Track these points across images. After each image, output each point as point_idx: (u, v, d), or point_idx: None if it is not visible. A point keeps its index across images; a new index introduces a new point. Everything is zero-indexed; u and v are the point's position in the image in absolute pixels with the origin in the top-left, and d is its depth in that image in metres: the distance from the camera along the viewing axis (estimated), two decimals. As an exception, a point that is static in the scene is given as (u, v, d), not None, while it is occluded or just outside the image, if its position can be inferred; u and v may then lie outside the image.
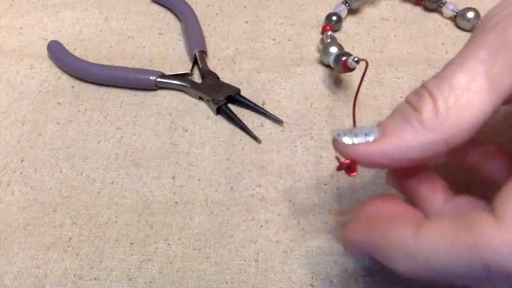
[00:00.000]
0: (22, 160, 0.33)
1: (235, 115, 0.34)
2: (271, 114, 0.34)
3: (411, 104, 0.20)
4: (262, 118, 0.34)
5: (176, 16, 0.43)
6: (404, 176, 0.23)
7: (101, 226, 0.29)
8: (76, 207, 0.30)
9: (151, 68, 0.38)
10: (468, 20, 0.39)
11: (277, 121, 0.34)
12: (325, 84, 0.36)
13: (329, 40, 0.37)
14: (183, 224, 0.29)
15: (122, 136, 0.34)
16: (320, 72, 0.37)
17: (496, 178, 0.23)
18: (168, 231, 0.29)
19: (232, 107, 0.35)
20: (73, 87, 0.37)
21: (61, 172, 0.32)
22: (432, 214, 0.22)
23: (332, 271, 0.27)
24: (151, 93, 0.37)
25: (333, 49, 0.36)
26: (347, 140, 0.21)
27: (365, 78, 0.26)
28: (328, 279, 0.26)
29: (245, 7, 0.43)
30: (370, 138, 0.20)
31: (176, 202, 0.30)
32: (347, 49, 0.37)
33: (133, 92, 0.37)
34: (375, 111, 0.34)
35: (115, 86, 0.37)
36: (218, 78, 0.37)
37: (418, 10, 0.42)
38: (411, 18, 0.41)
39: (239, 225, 0.29)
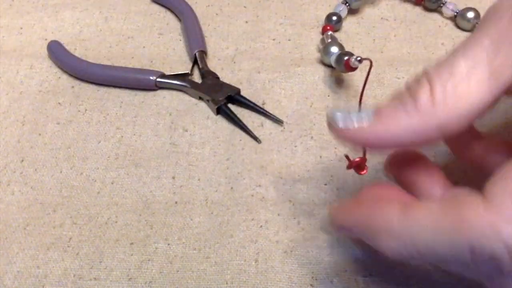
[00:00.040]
0: (22, 160, 0.33)
1: (235, 115, 0.34)
2: (271, 114, 0.34)
3: (409, 90, 0.20)
4: (262, 118, 0.34)
5: (176, 16, 0.43)
6: (402, 168, 0.23)
7: (101, 226, 0.29)
8: (76, 207, 0.30)
9: (151, 68, 0.38)
10: (468, 20, 0.39)
11: (277, 121, 0.34)
12: (325, 84, 0.36)
13: (329, 40, 0.37)
14: (183, 224, 0.29)
15: (122, 136, 0.34)
16: (320, 72, 0.37)
17: None
18: (168, 231, 0.29)
19: (232, 107, 0.35)
20: (73, 87, 0.37)
21: (61, 172, 0.32)
22: None
23: (332, 271, 0.27)
24: (151, 93, 0.37)
25: (334, 49, 0.36)
26: (341, 122, 0.21)
27: (365, 78, 0.26)
28: (328, 279, 0.26)
29: (245, 7, 0.43)
30: (365, 121, 0.20)
31: (176, 202, 0.30)
32: (347, 49, 0.37)
33: (133, 92, 0.37)
34: (375, 111, 0.34)
35: (115, 86, 0.37)
36: (218, 78, 0.37)
37: (418, 10, 0.42)
38: (411, 18, 0.41)
39: (239, 225, 0.29)
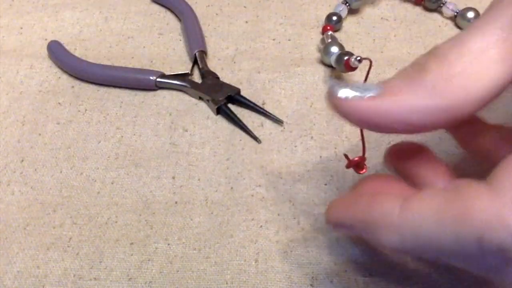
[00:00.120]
0: (22, 160, 0.33)
1: (235, 115, 0.34)
2: (271, 114, 0.34)
3: (419, 66, 0.18)
4: (262, 118, 0.34)
5: (176, 16, 0.43)
6: (403, 159, 0.22)
7: (101, 226, 0.29)
8: (76, 207, 0.30)
9: (151, 68, 0.38)
10: (468, 20, 0.39)
11: (277, 121, 0.34)
12: (325, 84, 0.36)
13: (329, 40, 0.37)
14: (183, 224, 0.29)
15: (122, 136, 0.34)
16: (320, 72, 0.37)
17: None
18: (168, 231, 0.29)
19: (232, 107, 0.35)
20: (73, 87, 0.37)
21: (61, 172, 0.32)
22: None
23: (332, 271, 0.27)
24: (151, 93, 0.37)
25: (334, 49, 0.36)
26: (343, 93, 0.19)
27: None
28: (328, 279, 0.26)
29: (245, 7, 0.43)
30: (371, 94, 0.18)
31: (176, 202, 0.30)
32: (347, 49, 0.37)
33: (133, 92, 0.37)
34: (375, 111, 0.34)
35: (115, 86, 0.37)
36: (218, 78, 0.37)
37: (418, 10, 0.42)
38: (411, 18, 0.41)
39: (239, 225, 0.29)
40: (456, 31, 0.40)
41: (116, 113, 0.35)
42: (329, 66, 0.37)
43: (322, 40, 0.38)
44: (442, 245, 0.17)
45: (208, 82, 0.36)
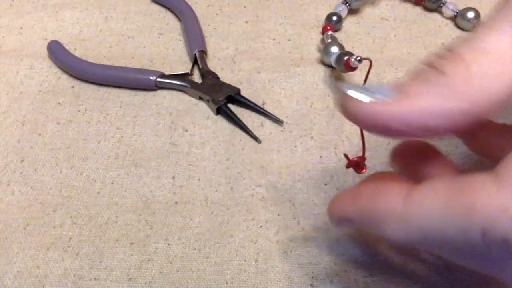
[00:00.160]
0: (22, 160, 0.33)
1: (235, 115, 0.34)
2: (271, 114, 0.34)
3: (436, 67, 0.18)
4: (262, 118, 0.34)
5: (176, 16, 0.43)
6: (409, 157, 0.22)
7: (101, 226, 0.29)
8: (76, 207, 0.30)
9: (151, 68, 0.38)
10: (468, 20, 0.39)
11: (277, 121, 0.34)
12: (325, 84, 0.36)
13: (329, 40, 0.37)
14: (183, 224, 0.29)
15: (122, 136, 0.34)
16: (320, 72, 0.37)
17: None
18: (168, 231, 0.29)
19: (232, 107, 0.35)
20: (73, 87, 0.37)
21: (61, 172, 0.32)
22: None
23: (332, 271, 0.27)
24: (151, 93, 0.37)
25: (334, 49, 0.36)
26: (357, 97, 0.18)
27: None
28: (328, 279, 0.26)
29: (245, 7, 0.43)
30: (387, 97, 0.17)
31: (176, 202, 0.30)
32: (347, 49, 0.37)
33: (133, 92, 0.37)
34: (375, 111, 0.34)
35: (115, 86, 0.37)
36: (218, 78, 0.37)
37: (418, 10, 0.42)
38: (411, 18, 0.41)
39: (239, 225, 0.29)
40: (456, 31, 0.40)
41: (116, 113, 0.35)
42: (329, 66, 0.37)
43: (322, 40, 0.38)
44: (446, 237, 0.17)
45: (208, 82, 0.36)
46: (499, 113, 0.18)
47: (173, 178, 0.31)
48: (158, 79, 0.36)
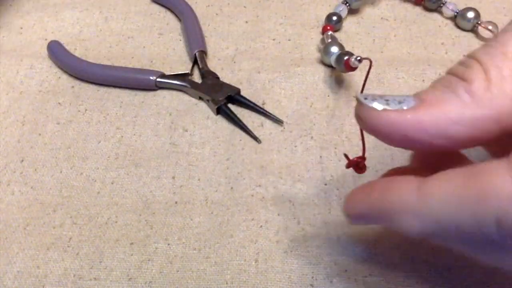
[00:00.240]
0: (22, 160, 0.33)
1: (235, 115, 0.34)
2: (271, 114, 0.34)
3: (457, 75, 0.17)
4: (262, 118, 0.34)
5: (176, 16, 0.43)
6: (432, 163, 0.21)
7: (101, 226, 0.29)
8: (76, 207, 0.30)
9: (151, 68, 0.38)
10: (468, 20, 0.39)
11: (277, 121, 0.34)
12: (325, 84, 0.36)
13: (329, 40, 0.37)
14: (183, 224, 0.29)
15: (122, 136, 0.34)
16: (320, 72, 0.37)
17: None
18: (168, 231, 0.29)
19: (232, 107, 0.35)
20: (73, 87, 0.37)
21: (61, 172, 0.32)
22: None
23: (332, 271, 0.27)
24: (151, 93, 0.37)
25: (334, 49, 0.36)
26: (377, 105, 0.17)
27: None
28: (328, 279, 0.26)
29: (245, 7, 0.43)
30: (405, 107, 0.17)
31: (176, 202, 0.30)
32: (347, 49, 0.37)
33: (133, 92, 0.37)
34: (375, 111, 0.34)
35: (115, 86, 0.37)
36: (218, 78, 0.37)
37: (418, 10, 0.42)
38: (411, 18, 0.41)
39: (239, 225, 0.29)
40: (456, 31, 0.40)
41: (116, 113, 0.35)
42: (329, 66, 0.37)
43: (322, 40, 0.38)
44: (461, 227, 0.16)
45: (208, 82, 0.36)
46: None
47: (173, 178, 0.31)
48: (158, 79, 0.36)
